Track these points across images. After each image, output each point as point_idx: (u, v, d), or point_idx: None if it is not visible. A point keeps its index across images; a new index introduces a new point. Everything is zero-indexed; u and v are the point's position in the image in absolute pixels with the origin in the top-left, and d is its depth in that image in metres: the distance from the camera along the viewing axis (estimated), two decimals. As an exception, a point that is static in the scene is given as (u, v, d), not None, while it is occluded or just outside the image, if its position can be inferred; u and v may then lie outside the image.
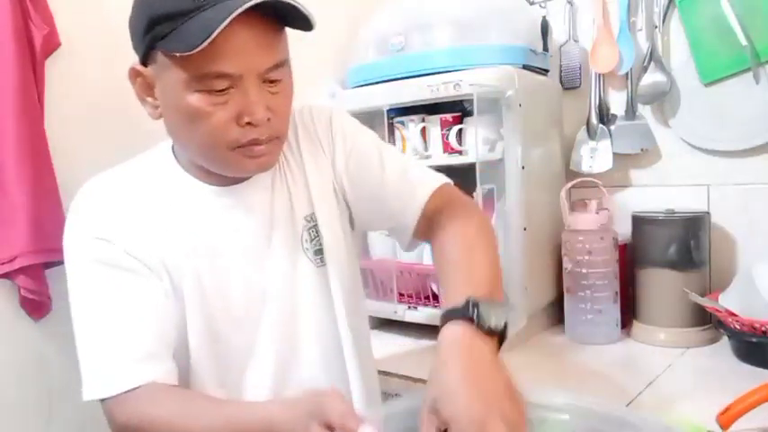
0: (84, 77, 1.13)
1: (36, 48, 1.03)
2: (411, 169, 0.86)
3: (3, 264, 0.99)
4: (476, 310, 0.61)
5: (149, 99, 0.74)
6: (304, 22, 0.69)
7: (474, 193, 1.19)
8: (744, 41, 1.20)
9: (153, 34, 0.68)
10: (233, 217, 0.80)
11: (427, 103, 1.25)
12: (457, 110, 1.28)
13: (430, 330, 1.31)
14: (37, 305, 1.04)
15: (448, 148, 1.27)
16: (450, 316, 0.62)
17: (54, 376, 1.07)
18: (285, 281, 0.83)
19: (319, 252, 0.85)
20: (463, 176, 1.22)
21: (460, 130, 1.25)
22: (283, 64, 0.73)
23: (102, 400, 0.72)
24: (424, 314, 1.29)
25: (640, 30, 1.36)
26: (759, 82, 1.21)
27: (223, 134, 0.70)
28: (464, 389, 0.55)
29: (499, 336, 0.62)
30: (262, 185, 0.82)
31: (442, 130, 1.28)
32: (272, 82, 0.72)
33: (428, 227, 0.82)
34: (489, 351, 0.61)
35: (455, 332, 0.60)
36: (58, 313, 1.07)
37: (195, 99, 0.69)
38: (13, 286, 1.03)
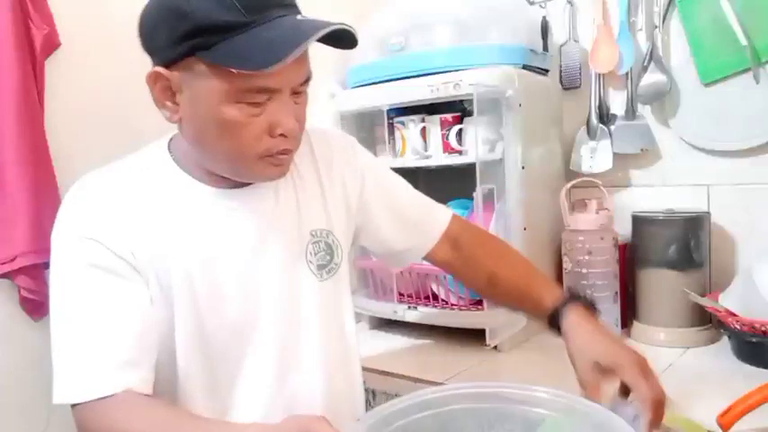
0: (84, 77, 1.13)
1: (36, 48, 1.03)
2: (419, 196, 1.01)
3: (3, 263, 0.99)
4: (585, 299, 0.86)
5: (169, 103, 0.73)
6: (350, 43, 0.71)
7: (474, 193, 1.19)
8: (744, 41, 1.20)
9: (194, 43, 0.67)
10: (232, 219, 0.79)
11: (427, 103, 1.25)
12: (457, 110, 1.28)
13: (430, 330, 1.31)
14: (37, 305, 1.05)
15: (448, 148, 1.27)
16: (571, 302, 0.84)
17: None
18: (281, 287, 0.82)
19: (323, 267, 0.86)
20: (463, 176, 1.22)
21: (460, 130, 1.25)
22: (311, 77, 0.75)
23: (73, 406, 0.70)
24: (423, 314, 1.29)
25: (640, 30, 1.36)
26: (759, 82, 1.21)
27: (255, 145, 0.71)
28: (619, 345, 0.78)
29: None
30: (264, 191, 0.82)
31: (442, 130, 1.28)
32: (297, 93, 0.73)
33: (450, 247, 0.97)
34: None
35: (583, 314, 0.83)
36: (57, 313, 1.07)
37: (233, 111, 0.69)
38: (13, 286, 1.03)
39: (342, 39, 0.70)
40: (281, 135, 0.72)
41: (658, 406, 0.70)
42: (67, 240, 0.74)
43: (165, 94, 0.72)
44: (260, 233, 0.81)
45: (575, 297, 0.86)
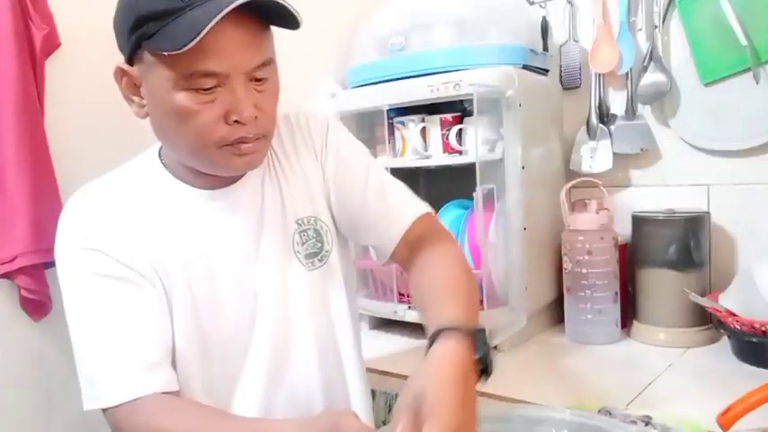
0: (84, 77, 1.13)
1: (36, 48, 1.03)
2: (396, 192, 0.89)
3: (3, 264, 0.99)
4: (473, 333, 0.66)
5: (135, 98, 0.74)
6: (291, 21, 0.70)
7: (474, 193, 1.19)
8: (744, 41, 1.20)
9: (139, 33, 0.68)
10: (221, 220, 0.80)
11: (427, 103, 1.25)
12: (457, 110, 1.28)
13: (430, 330, 1.31)
14: (37, 305, 1.04)
15: (448, 148, 1.27)
16: (448, 329, 0.66)
17: (54, 376, 1.07)
18: (276, 284, 0.82)
19: (311, 255, 0.85)
20: (463, 176, 1.22)
21: (460, 130, 1.25)
22: (270, 62, 0.73)
23: (105, 410, 0.71)
24: (424, 314, 1.29)
25: (640, 30, 1.36)
26: (759, 82, 1.21)
27: (211, 133, 0.71)
28: (453, 394, 0.59)
29: (481, 362, 0.67)
30: (251, 188, 0.82)
31: (442, 130, 1.28)
32: (258, 80, 0.72)
33: (408, 251, 0.85)
34: (474, 372, 0.65)
35: (453, 344, 0.64)
36: (58, 313, 1.06)
37: (182, 98, 0.69)
38: (13, 286, 1.03)
39: (285, 17, 0.69)
40: (236, 122, 0.70)
41: None
42: (71, 253, 0.75)
43: (130, 89, 0.74)
44: (249, 231, 0.81)
45: (453, 328, 0.66)
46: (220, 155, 0.73)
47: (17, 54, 0.99)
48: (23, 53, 1.00)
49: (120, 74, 0.73)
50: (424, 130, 1.29)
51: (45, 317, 1.06)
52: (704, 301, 1.15)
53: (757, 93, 1.22)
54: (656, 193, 1.38)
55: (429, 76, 1.22)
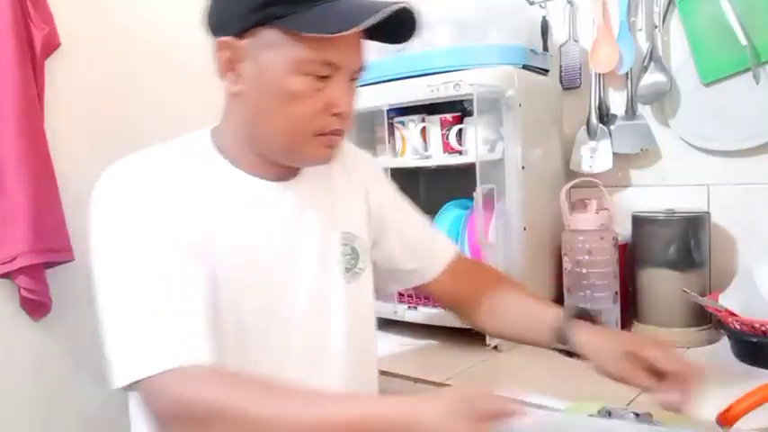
0: (85, 77, 1.13)
1: (36, 48, 1.03)
2: (431, 226, 1.05)
3: (3, 264, 0.99)
4: (585, 309, 0.89)
5: (231, 75, 0.75)
6: (405, 35, 0.76)
7: (474, 193, 1.19)
8: (744, 41, 1.20)
9: (270, 11, 0.70)
10: (269, 211, 0.79)
11: (427, 103, 1.25)
12: (457, 110, 1.28)
13: (430, 330, 1.31)
14: (37, 305, 1.05)
15: (448, 148, 1.27)
16: (574, 315, 0.86)
17: (54, 376, 1.07)
18: (313, 286, 0.82)
19: (348, 269, 0.86)
20: (463, 176, 1.22)
21: (460, 130, 1.25)
22: (365, 69, 0.78)
23: (139, 382, 0.65)
24: (423, 314, 1.29)
25: (640, 30, 1.36)
26: (759, 82, 1.21)
27: (312, 120, 0.74)
28: (634, 334, 0.93)
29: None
30: (306, 189, 0.84)
31: (442, 130, 1.27)
32: (353, 80, 0.77)
33: (453, 277, 0.98)
34: None
35: (588, 322, 0.85)
36: (58, 313, 1.07)
37: (298, 81, 0.72)
38: (13, 286, 1.03)
39: (396, 32, 0.74)
40: (336, 114, 0.74)
41: (689, 373, 0.74)
42: (124, 216, 0.71)
43: (229, 64, 0.74)
44: (295, 227, 0.81)
45: (575, 309, 0.89)
46: (313, 143, 0.75)
47: (17, 54, 0.99)
48: (23, 53, 1.00)
49: (224, 46, 0.73)
50: (423, 130, 1.29)
51: (45, 317, 1.06)
52: (704, 301, 1.15)
53: (757, 93, 1.22)
54: (656, 193, 1.38)
55: (429, 76, 1.22)
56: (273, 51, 0.71)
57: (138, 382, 0.65)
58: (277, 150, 0.78)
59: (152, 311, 0.68)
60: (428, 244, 0.99)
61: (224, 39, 0.73)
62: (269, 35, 0.71)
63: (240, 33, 0.72)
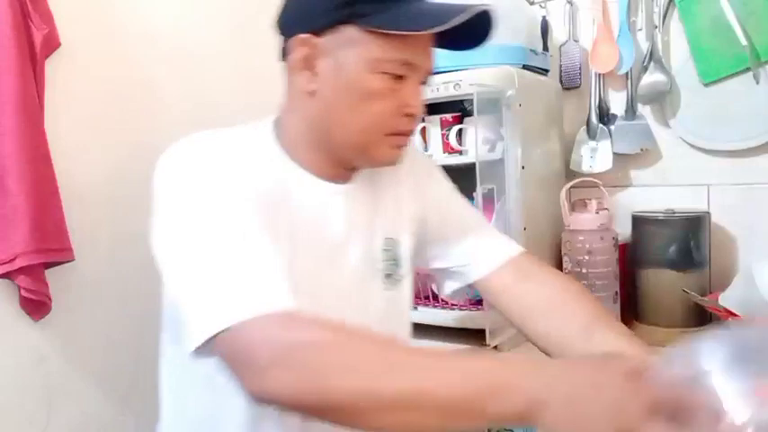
0: (85, 77, 1.13)
1: (36, 48, 1.03)
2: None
3: (3, 264, 0.99)
4: None
5: (307, 72, 0.74)
6: (469, 44, 0.79)
7: (474, 193, 1.19)
8: (744, 41, 1.20)
9: (353, 10, 0.70)
10: (322, 210, 0.79)
11: (427, 103, 1.25)
12: (457, 110, 1.28)
13: (430, 330, 1.31)
14: (37, 305, 1.04)
15: (448, 148, 1.27)
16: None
17: (54, 376, 1.07)
18: (357, 293, 0.82)
19: (388, 276, 0.86)
20: (463, 176, 1.22)
21: (460, 130, 1.25)
22: (432, 74, 0.79)
23: (222, 335, 0.60)
24: (423, 314, 1.29)
25: (640, 30, 1.36)
26: (759, 82, 1.21)
27: (387, 119, 0.74)
28: None
29: None
30: (353, 191, 0.82)
31: (442, 130, 1.28)
32: (423, 83, 0.78)
33: (517, 274, 0.89)
34: None
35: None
36: (57, 313, 1.07)
37: (376, 80, 0.72)
38: (13, 286, 1.03)
39: (466, 37, 0.76)
40: (408, 115, 0.75)
41: None
42: (208, 172, 0.70)
43: (305, 62, 0.74)
44: (342, 229, 0.81)
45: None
46: (384, 142, 0.76)
47: (17, 54, 0.99)
48: (23, 53, 1.00)
49: (302, 43, 0.73)
50: (423, 129, 1.29)
51: (45, 317, 1.06)
52: (704, 301, 1.15)
53: (757, 93, 1.22)
54: (656, 193, 1.38)
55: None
56: (353, 49, 0.71)
57: (221, 335, 0.60)
58: (348, 149, 0.77)
59: (240, 261, 0.64)
60: (484, 239, 0.93)
61: (302, 36, 0.72)
62: (349, 32, 0.71)
63: (320, 30, 0.72)
